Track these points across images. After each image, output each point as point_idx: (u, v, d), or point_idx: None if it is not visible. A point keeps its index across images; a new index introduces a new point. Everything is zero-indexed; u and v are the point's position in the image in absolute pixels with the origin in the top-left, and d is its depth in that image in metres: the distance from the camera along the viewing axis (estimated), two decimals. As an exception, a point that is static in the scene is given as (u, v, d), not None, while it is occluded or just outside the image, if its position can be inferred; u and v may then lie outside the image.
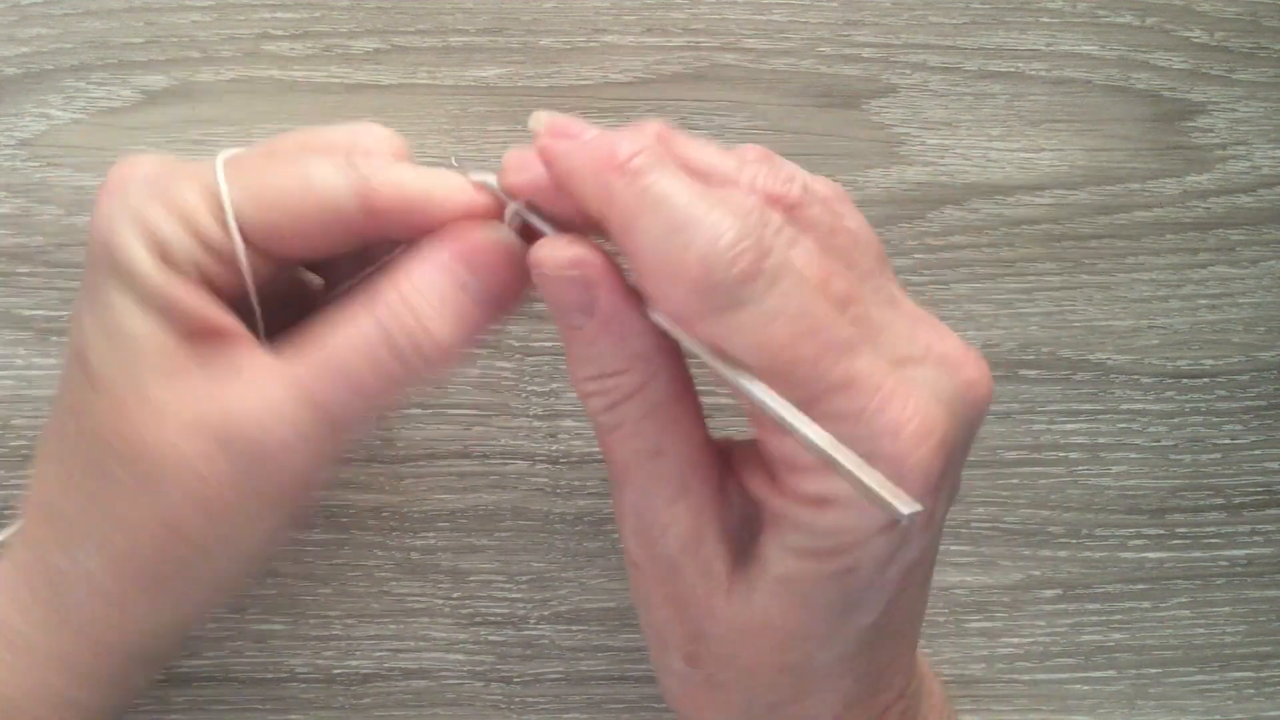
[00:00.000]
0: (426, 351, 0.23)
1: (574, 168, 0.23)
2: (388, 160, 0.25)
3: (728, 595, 0.24)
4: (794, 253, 0.22)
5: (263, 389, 0.23)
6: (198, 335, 0.24)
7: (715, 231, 0.21)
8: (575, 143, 0.23)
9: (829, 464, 0.21)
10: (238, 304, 0.25)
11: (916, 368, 0.23)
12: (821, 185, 0.25)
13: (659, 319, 0.23)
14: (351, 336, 0.23)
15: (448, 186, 0.25)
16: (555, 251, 0.23)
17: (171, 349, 0.23)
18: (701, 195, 0.22)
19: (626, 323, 0.23)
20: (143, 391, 0.23)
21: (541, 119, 0.24)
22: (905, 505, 0.21)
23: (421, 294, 0.24)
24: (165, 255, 0.23)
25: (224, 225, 0.23)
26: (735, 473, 0.25)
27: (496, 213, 0.25)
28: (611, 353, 0.23)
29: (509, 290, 0.25)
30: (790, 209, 0.24)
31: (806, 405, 0.21)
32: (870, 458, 0.21)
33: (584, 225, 0.24)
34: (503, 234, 0.25)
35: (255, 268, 0.24)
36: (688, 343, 0.22)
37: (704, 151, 0.25)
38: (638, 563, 0.25)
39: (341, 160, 0.24)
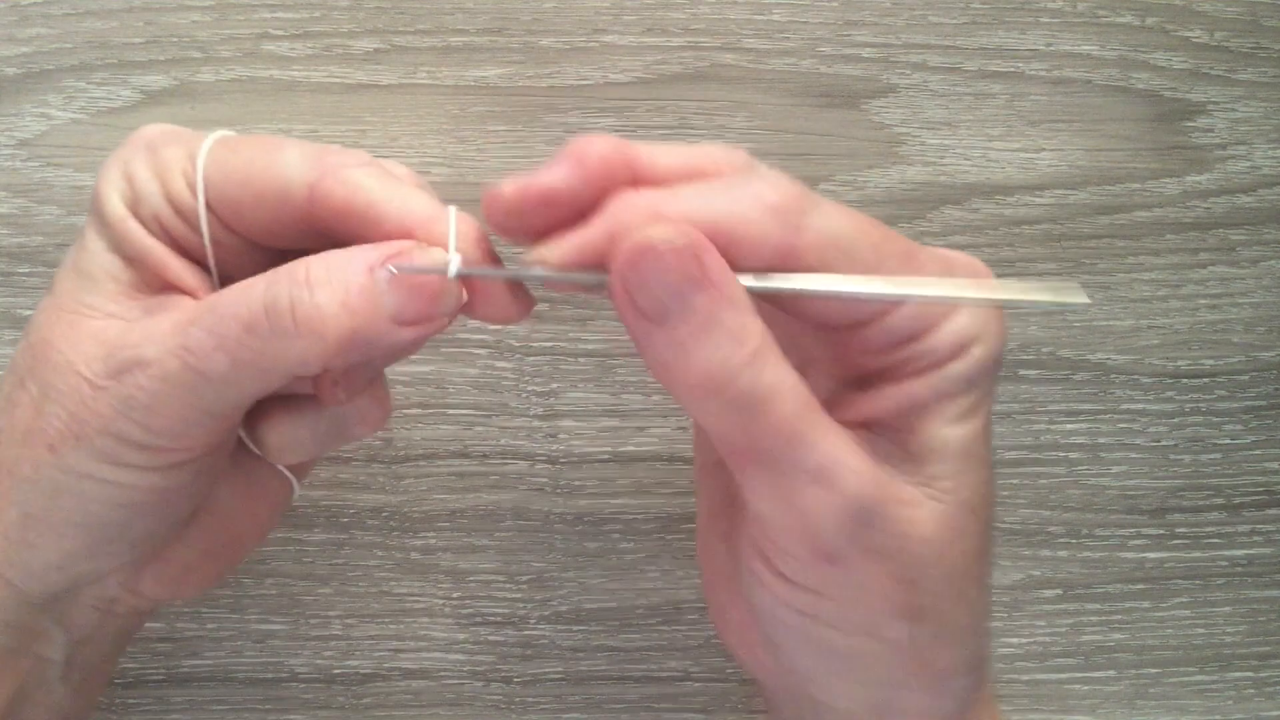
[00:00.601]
0: (300, 315, 0.23)
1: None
2: (363, 165, 0.24)
3: (922, 505, 0.24)
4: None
5: (157, 323, 0.24)
6: (153, 285, 0.25)
7: (771, 179, 0.23)
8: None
9: (988, 302, 0.23)
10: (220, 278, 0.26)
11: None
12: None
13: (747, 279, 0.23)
14: (241, 287, 0.24)
15: (405, 204, 0.24)
16: (659, 228, 0.22)
17: (123, 288, 0.25)
18: (733, 181, 0.23)
19: (733, 280, 0.22)
20: (80, 313, 0.24)
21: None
22: (1074, 292, 0.23)
23: (322, 264, 0.23)
24: (136, 207, 0.25)
25: (194, 189, 0.25)
26: (861, 411, 0.25)
27: (434, 237, 0.24)
28: (736, 313, 0.22)
29: (422, 299, 0.23)
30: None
31: (904, 266, 0.23)
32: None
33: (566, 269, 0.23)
34: (438, 255, 0.24)
35: (219, 238, 0.25)
36: (784, 284, 0.23)
37: (669, 156, 0.24)
38: (832, 536, 0.23)
39: (313, 153, 0.25)
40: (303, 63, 0.35)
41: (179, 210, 0.25)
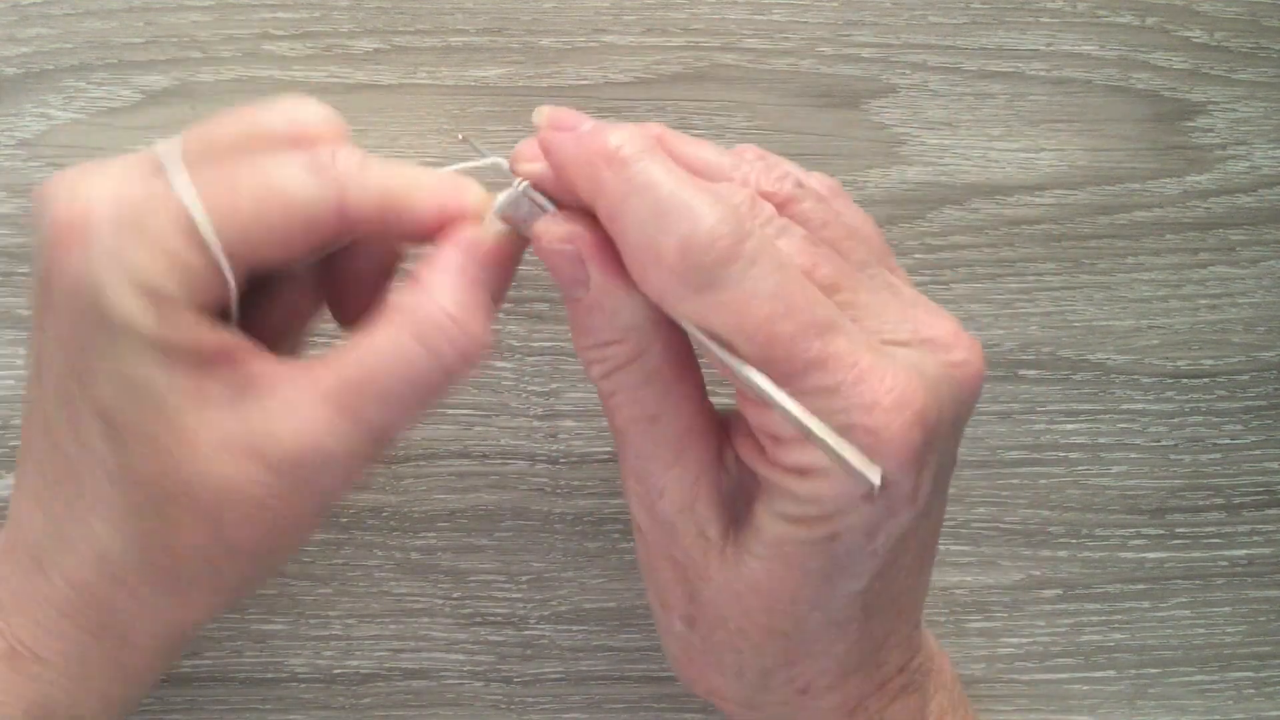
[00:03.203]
0: (466, 351, 0.24)
1: (568, 158, 0.24)
2: (360, 161, 0.24)
3: (721, 557, 0.25)
4: (781, 241, 0.24)
5: (300, 409, 0.23)
6: (208, 362, 0.23)
7: (696, 216, 0.22)
8: (570, 135, 0.24)
9: (805, 435, 0.23)
10: (225, 312, 0.25)
11: (901, 349, 0.24)
12: (818, 181, 0.27)
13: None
14: (388, 349, 0.24)
15: (427, 188, 0.25)
16: (551, 227, 0.25)
17: (191, 384, 0.23)
18: (686, 183, 0.23)
19: (618, 296, 0.24)
20: (178, 432, 0.23)
21: (543, 112, 0.25)
22: (873, 473, 0.22)
23: (450, 297, 0.24)
24: (160, 302, 0.23)
25: (205, 251, 0.23)
26: (731, 442, 0.26)
27: (474, 208, 0.26)
28: (606, 324, 0.25)
29: (509, 277, 0.26)
30: (783, 205, 0.25)
31: (785, 381, 0.23)
32: (847, 429, 0.22)
33: (582, 210, 0.25)
34: (499, 228, 0.26)
35: (236, 280, 0.24)
36: (675, 318, 0.24)
37: (701, 149, 0.26)
38: (640, 525, 0.27)
39: (312, 164, 0.24)
40: (303, 63, 0.35)
41: (199, 281, 0.23)
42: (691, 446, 0.26)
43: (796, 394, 0.23)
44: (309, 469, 0.24)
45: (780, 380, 0.23)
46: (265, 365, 0.24)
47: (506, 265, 0.26)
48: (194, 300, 0.23)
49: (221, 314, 0.24)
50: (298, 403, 0.24)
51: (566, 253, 0.24)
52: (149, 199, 0.23)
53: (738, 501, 0.26)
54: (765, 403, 0.23)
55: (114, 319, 0.22)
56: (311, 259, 0.26)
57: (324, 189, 0.24)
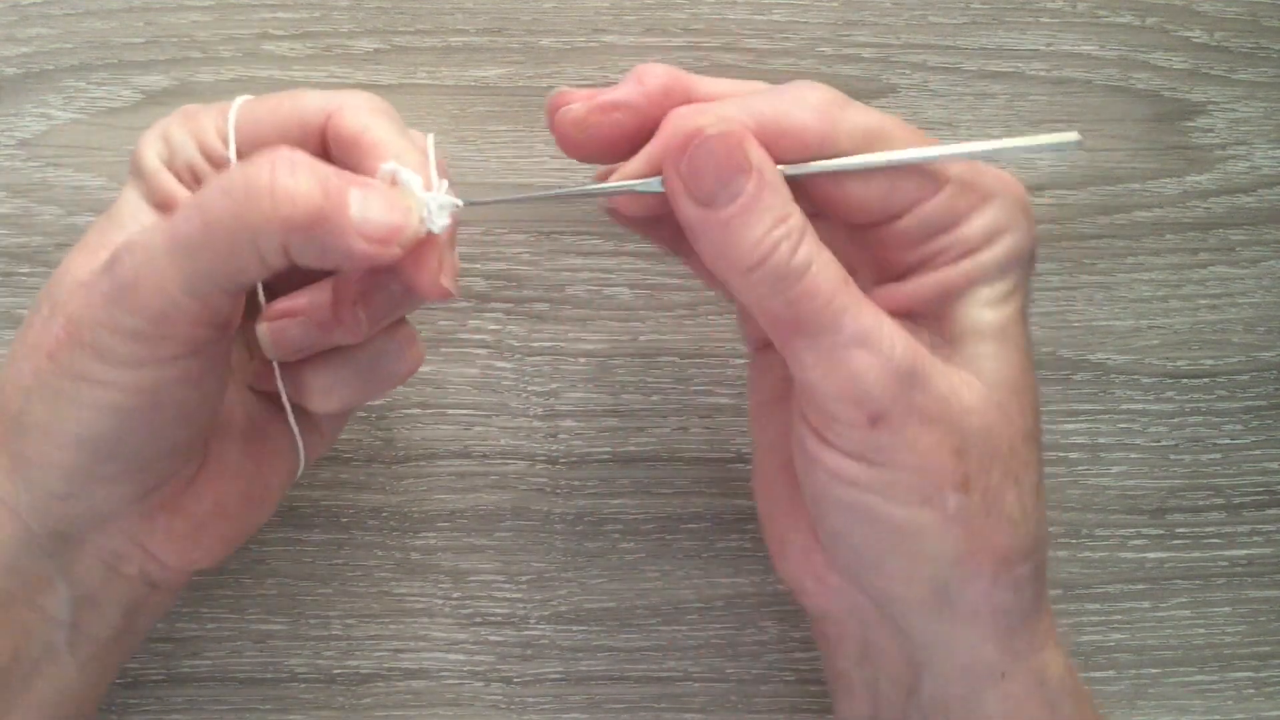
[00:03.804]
0: (279, 185, 0.23)
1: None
2: (377, 111, 0.27)
3: (965, 382, 0.25)
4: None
5: (148, 227, 0.26)
6: (163, 206, 0.27)
7: (811, 85, 0.26)
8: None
9: (994, 156, 0.26)
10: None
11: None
12: None
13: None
14: (220, 175, 0.25)
15: (404, 152, 0.26)
16: (708, 117, 0.24)
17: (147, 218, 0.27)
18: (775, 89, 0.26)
19: (773, 167, 0.25)
20: (103, 248, 0.26)
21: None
22: (1069, 136, 0.25)
23: (309, 159, 0.24)
24: (171, 162, 0.27)
25: (223, 140, 0.27)
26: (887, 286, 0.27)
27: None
28: (778, 199, 0.24)
29: (389, 210, 0.24)
30: None
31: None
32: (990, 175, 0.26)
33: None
34: (414, 179, 0.25)
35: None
36: (820, 167, 0.25)
37: (717, 83, 0.27)
38: (882, 410, 0.25)
39: (332, 94, 0.27)
40: (303, 63, 0.35)
41: (212, 160, 0.27)
42: (876, 295, 0.26)
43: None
44: (121, 268, 0.24)
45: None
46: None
47: (390, 212, 0.24)
48: (201, 176, 0.27)
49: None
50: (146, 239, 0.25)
51: (732, 137, 0.24)
52: (215, 105, 0.28)
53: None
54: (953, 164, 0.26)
55: (136, 160, 0.28)
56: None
57: (322, 102, 0.27)
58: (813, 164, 0.25)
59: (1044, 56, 0.36)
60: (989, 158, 0.26)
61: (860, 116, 0.25)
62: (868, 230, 0.26)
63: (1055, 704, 0.27)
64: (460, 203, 0.25)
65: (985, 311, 0.26)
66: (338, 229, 0.23)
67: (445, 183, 0.25)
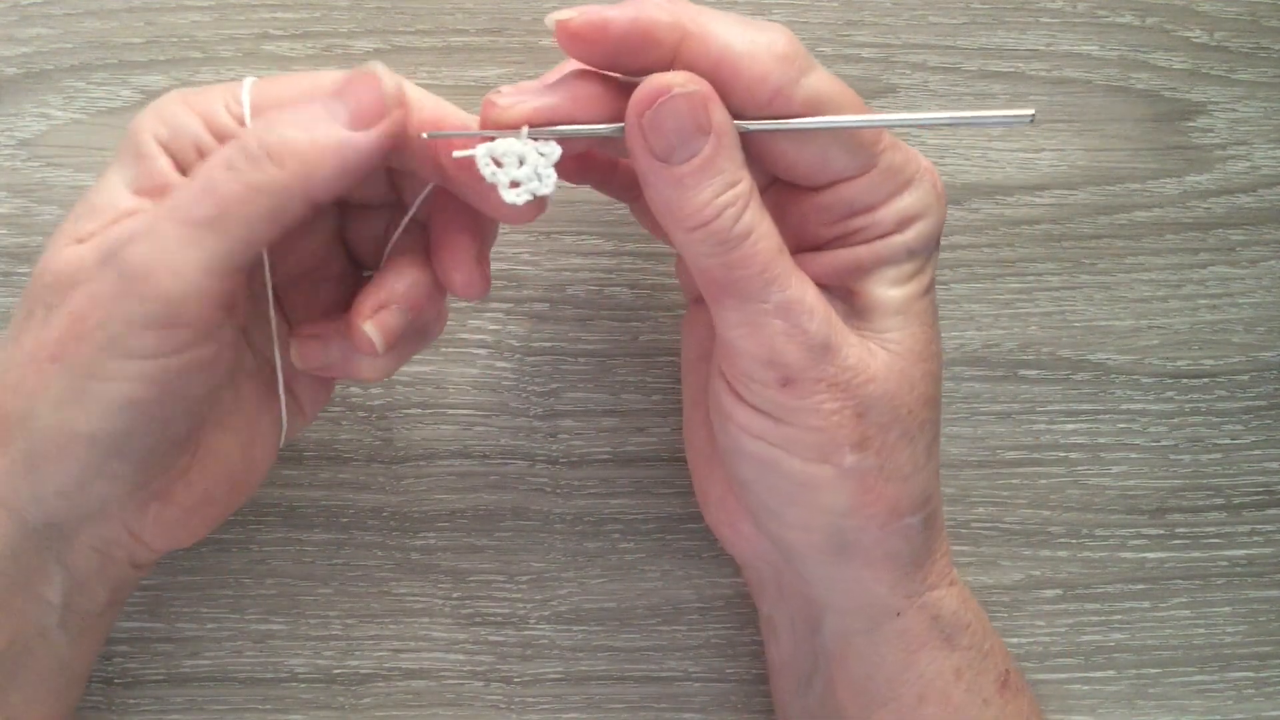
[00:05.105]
0: (271, 145, 0.24)
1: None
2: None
3: (871, 353, 0.27)
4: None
5: (147, 214, 0.25)
6: (156, 191, 0.26)
7: (776, 27, 0.26)
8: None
9: (952, 124, 0.30)
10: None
11: None
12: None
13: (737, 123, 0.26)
14: (214, 154, 0.25)
15: (451, 112, 0.27)
16: (676, 77, 0.25)
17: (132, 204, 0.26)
18: (755, 23, 0.26)
19: (733, 132, 0.25)
20: (83, 239, 0.26)
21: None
22: (1025, 110, 0.25)
23: (280, 113, 0.25)
24: (171, 144, 0.26)
25: (233, 115, 0.26)
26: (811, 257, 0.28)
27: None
28: (731, 163, 0.25)
29: (374, 111, 0.25)
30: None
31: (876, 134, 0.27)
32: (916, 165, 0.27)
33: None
34: (381, 68, 0.26)
35: None
36: (784, 124, 0.26)
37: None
38: (792, 375, 0.26)
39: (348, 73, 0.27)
40: (303, 63, 0.35)
41: (223, 139, 0.26)
42: (795, 263, 0.27)
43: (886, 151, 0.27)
44: (131, 259, 0.24)
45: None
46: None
47: (371, 94, 0.26)
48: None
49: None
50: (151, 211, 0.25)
51: (697, 97, 0.25)
52: (217, 86, 0.27)
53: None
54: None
55: (132, 142, 0.27)
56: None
57: (338, 76, 0.26)
58: (767, 122, 0.26)
59: (1044, 56, 0.36)
60: (940, 125, 0.28)
61: (819, 82, 0.26)
62: (797, 194, 0.28)
63: (951, 636, 0.29)
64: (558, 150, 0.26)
65: (892, 289, 0.27)
66: (341, 148, 0.25)
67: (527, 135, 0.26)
